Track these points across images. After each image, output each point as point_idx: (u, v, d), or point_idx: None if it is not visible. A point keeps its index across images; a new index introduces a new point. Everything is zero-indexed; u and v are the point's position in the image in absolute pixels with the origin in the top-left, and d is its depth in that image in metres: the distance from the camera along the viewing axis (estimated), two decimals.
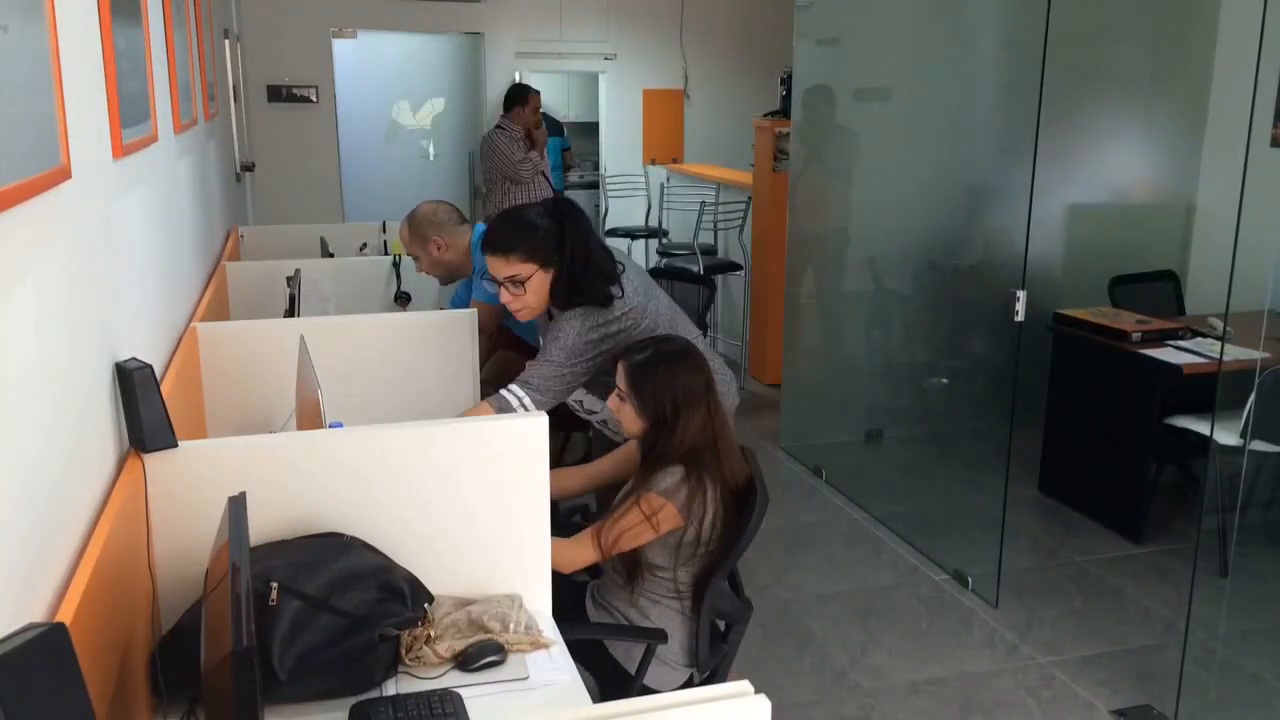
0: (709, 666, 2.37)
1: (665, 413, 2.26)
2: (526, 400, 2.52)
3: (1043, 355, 4.46)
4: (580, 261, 2.55)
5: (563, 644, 1.90)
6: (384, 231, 4.68)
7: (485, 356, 3.60)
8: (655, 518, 2.23)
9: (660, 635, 2.28)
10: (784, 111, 6.00)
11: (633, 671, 2.28)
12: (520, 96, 6.30)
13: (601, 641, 2.33)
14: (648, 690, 2.28)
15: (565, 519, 2.75)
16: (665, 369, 2.29)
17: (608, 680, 2.27)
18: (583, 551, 2.27)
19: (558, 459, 4.13)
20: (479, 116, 7.80)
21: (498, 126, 6.28)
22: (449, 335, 2.97)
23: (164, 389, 1.84)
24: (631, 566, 2.31)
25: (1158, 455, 4.16)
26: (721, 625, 2.44)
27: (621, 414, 2.34)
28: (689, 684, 2.37)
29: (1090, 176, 5.27)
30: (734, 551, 2.29)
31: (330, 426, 2.05)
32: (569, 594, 2.42)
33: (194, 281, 3.10)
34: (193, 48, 3.35)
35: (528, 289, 2.55)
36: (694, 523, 2.26)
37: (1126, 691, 3.15)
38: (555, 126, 8.61)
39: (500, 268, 2.55)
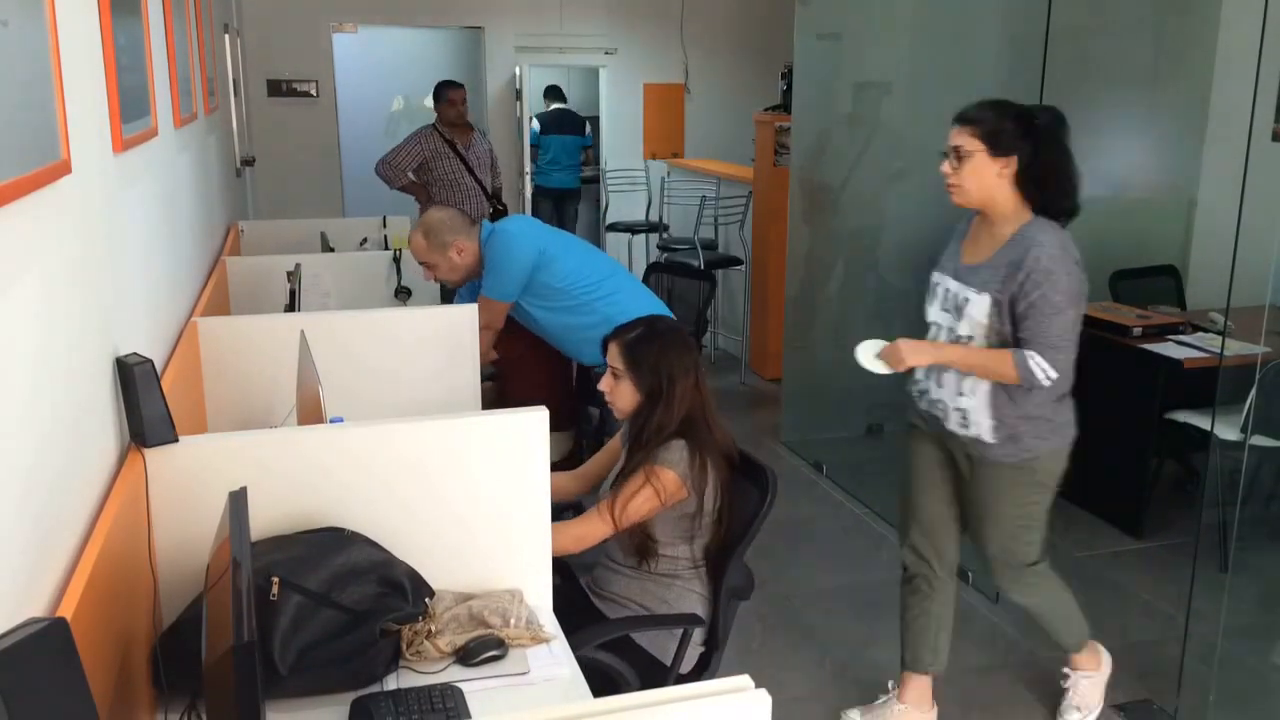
0: (719, 646, 2.39)
1: (661, 383, 2.36)
2: (1048, 368, 2.41)
3: None
4: (1048, 166, 2.47)
5: (563, 638, 1.91)
6: (384, 226, 4.68)
7: (489, 353, 3.59)
8: (661, 486, 2.29)
9: (695, 620, 2.32)
10: (785, 106, 5.99)
11: (667, 661, 2.30)
12: (438, 92, 5.88)
13: (627, 635, 2.34)
14: (685, 678, 2.31)
15: (557, 515, 2.75)
16: (660, 343, 2.40)
17: (643, 672, 2.27)
18: (592, 526, 2.32)
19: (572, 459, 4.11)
20: (479, 111, 7.79)
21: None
22: (450, 330, 2.97)
23: (164, 384, 1.84)
24: (641, 546, 2.36)
25: (1158, 450, 4.16)
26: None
27: (617, 392, 2.43)
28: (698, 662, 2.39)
29: (1091, 171, 5.18)
30: (751, 530, 2.32)
31: (331, 421, 2.06)
32: (574, 597, 2.43)
33: (194, 276, 3.09)
34: (192, 42, 3.34)
35: (964, 167, 2.48)
36: (696, 493, 2.32)
37: (1127, 686, 3.16)
38: (577, 124, 8.58)
39: (955, 134, 2.52)
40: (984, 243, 2.58)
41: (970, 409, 2.57)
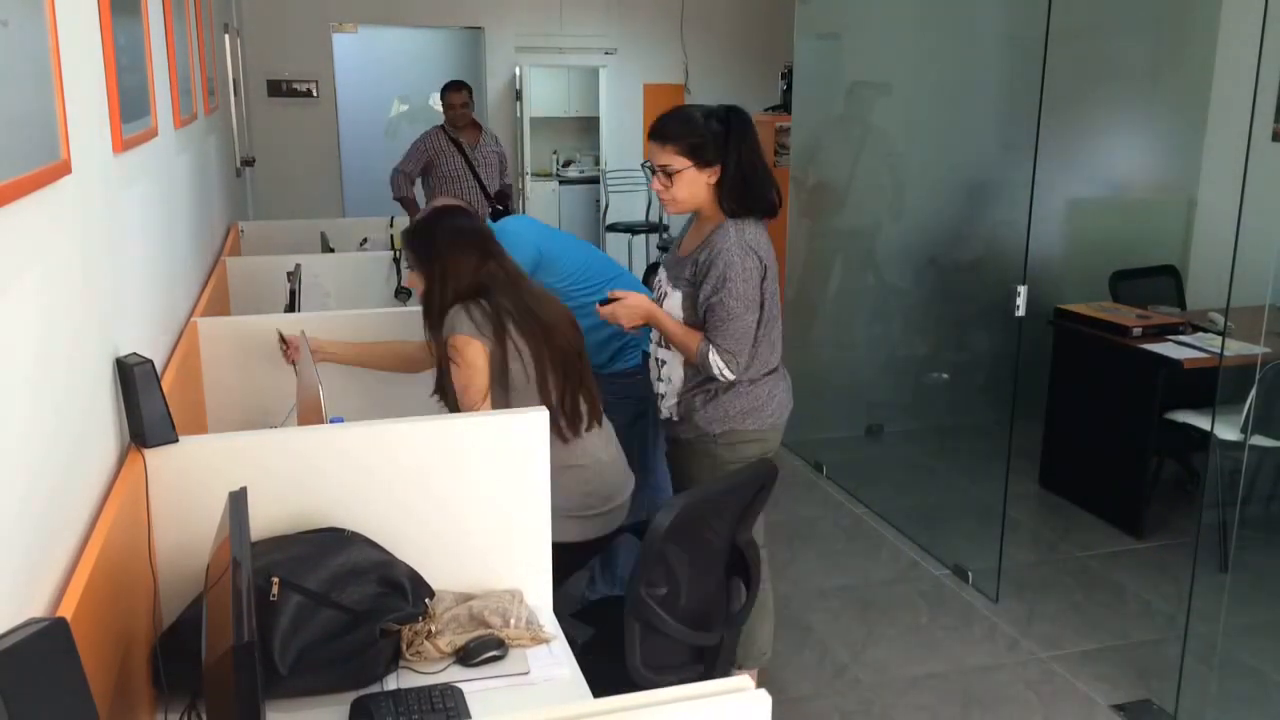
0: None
1: (433, 267, 2.48)
2: (724, 367, 2.55)
3: (1044, 350, 4.46)
4: (749, 166, 2.54)
5: (563, 638, 1.91)
6: (391, 226, 4.67)
7: None
8: (460, 355, 2.40)
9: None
10: (785, 106, 6.00)
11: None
12: (441, 93, 5.86)
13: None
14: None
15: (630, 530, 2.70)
16: (429, 231, 2.55)
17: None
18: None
19: None
20: (480, 111, 7.79)
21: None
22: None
23: (164, 384, 1.85)
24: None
25: (1158, 450, 4.16)
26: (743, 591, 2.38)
27: (411, 281, 2.61)
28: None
29: (1091, 171, 5.26)
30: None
31: (331, 421, 2.06)
32: (568, 567, 2.47)
33: (194, 277, 3.09)
34: (192, 42, 3.35)
35: (675, 182, 2.55)
36: (495, 341, 2.40)
37: (1127, 686, 3.16)
38: None
39: (656, 154, 2.56)
40: (693, 236, 2.69)
41: (666, 393, 2.73)
